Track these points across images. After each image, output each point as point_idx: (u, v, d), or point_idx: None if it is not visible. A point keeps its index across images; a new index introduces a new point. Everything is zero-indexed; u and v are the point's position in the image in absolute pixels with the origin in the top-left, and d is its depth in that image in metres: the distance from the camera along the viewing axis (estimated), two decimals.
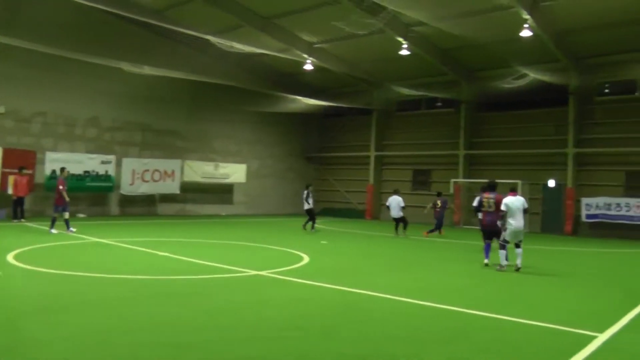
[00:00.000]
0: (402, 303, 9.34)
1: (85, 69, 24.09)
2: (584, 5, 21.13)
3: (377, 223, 29.71)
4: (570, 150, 26.26)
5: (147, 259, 13.53)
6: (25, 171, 22.66)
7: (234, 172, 31.71)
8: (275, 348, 6.49)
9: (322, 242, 19.08)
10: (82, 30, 24.77)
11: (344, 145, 35.28)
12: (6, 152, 23.20)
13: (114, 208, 27.58)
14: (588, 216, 25.44)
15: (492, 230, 13.93)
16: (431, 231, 22.27)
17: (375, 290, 10.10)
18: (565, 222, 26.23)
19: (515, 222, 13.03)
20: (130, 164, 27.34)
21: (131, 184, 27.34)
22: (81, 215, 24.84)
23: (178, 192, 29.17)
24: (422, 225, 24.01)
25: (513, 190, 13.64)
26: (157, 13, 24.58)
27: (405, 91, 29.43)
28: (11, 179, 22.43)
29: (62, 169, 19.21)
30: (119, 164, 26.88)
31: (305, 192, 22.85)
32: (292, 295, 9.70)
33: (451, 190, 28.31)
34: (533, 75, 23.96)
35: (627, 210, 24.32)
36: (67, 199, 18.09)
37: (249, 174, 32.33)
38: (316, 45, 28.07)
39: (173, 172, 28.79)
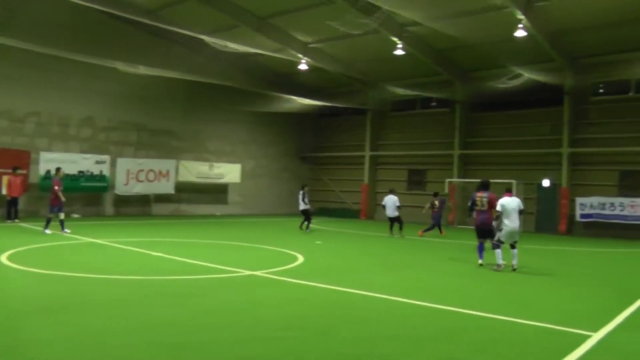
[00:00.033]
0: (398, 303, 9.33)
1: (79, 68, 24.04)
2: (578, 6, 21.17)
3: (372, 223, 29.72)
4: (565, 150, 26.32)
5: (141, 260, 13.49)
6: (19, 171, 22.59)
7: (229, 172, 31.68)
8: (270, 348, 6.48)
9: (317, 242, 19.07)
10: (77, 30, 24.70)
11: (338, 145, 35.27)
12: (0, 152, 23.12)
13: (109, 208, 27.51)
14: (582, 216, 25.50)
15: (485, 229, 13.95)
16: (426, 230, 22.29)
17: (371, 290, 10.10)
18: (560, 222, 26.30)
19: (511, 223, 13.04)
20: (125, 164, 27.28)
21: (126, 184, 27.28)
22: (75, 216, 24.78)
23: (173, 192, 29.13)
24: (418, 225, 24.01)
25: (509, 191, 13.67)
26: (152, 13, 24.53)
27: (400, 91, 29.43)
28: (5, 179, 22.36)
29: (58, 169, 19.16)
30: (113, 164, 26.82)
31: (301, 192, 22.81)
32: (286, 296, 9.68)
33: (446, 190, 28.31)
34: (528, 75, 23.99)
35: (621, 210, 24.39)
36: (63, 199, 18.03)
37: (243, 174, 32.31)
38: (311, 45, 28.05)
39: (168, 172, 28.74)
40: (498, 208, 13.16)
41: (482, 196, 13.95)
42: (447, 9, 22.08)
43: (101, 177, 26.29)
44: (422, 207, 24.06)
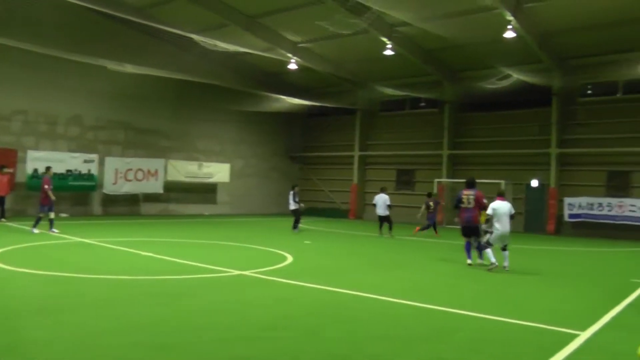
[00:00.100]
0: (387, 303, 9.34)
1: (67, 66, 23.89)
2: (567, 7, 21.29)
3: (361, 223, 29.74)
4: (553, 151, 26.46)
5: (129, 259, 13.42)
6: (5, 170, 22.40)
7: (218, 172, 31.61)
8: (259, 348, 6.46)
9: (306, 241, 19.06)
10: (65, 28, 24.52)
11: (327, 145, 35.27)
12: None
13: (97, 207, 27.36)
14: (571, 216, 25.67)
15: (470, 227, 13.99)
16: (422, 229, 22.38)
17: (360, 290, 10.10)
18: (548, 222, 26.45)
19: (502, 227, 13.09)
20: (113, 163, 27.14)
21: (114, 183, 27.15)
22: (63, 215, 24.59)
23: (161, 191, 29.02)
24: (407, 225, 24.05)
25: (501, 195, 13.71)
26: (141, 11, 24.37)
27: (389, 91, 29.49)
28: None
29: (48, 168, 19.03)
30: (101, 163, 26.67)
31: (292, 192, 22.78)
32: (275, 295, 9.66)
33: (435, 190, 28.39)
34: (516, 76, 24.09)
35: (609, 210, 24.58)
36: (53, 198, 17.91)
37: (232, 173, 32.24)
38: (300, 45, 28.04)
39: (156, 171, 28.63)
40: (489, 212, 13.22)
41: (468, 194, 14.01)
42: (436, 9, 22.13)
43: (89, 176, 26.15)
44: (410, 207, 24.11)
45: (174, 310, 8.15)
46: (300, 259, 14.29)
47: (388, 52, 25.16)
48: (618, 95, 25.82)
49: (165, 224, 24.17)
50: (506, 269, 13.07)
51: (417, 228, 22.41)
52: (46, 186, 17.81)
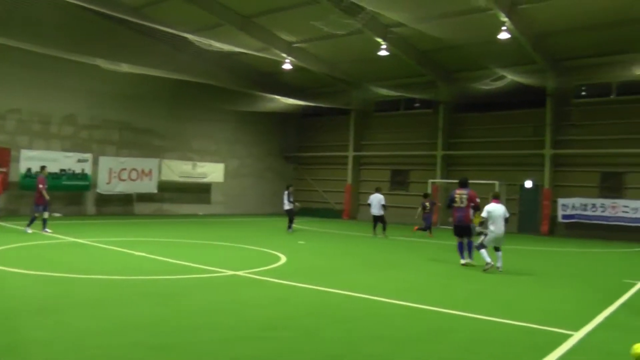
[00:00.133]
0: (381, 303, 9.34)
1: (62, 65, 23.76)
2: (561, 8, 21.34)
3: (355, 223, 29.73)
4: (547, 152, 26.53)
5: (124, 259, 13.38)
6: None
7: (212, 172, 31.57)
8: (253, 349, 6.45)
9: (300, 242, 19.05)
10: (61, 27, 24.31)
11: (322, 145, 35.26)
12: None
13: (90, 207, 27.28)
14: (564, 216, 25.75)
15: (462, 226, 14.04)
16: (420, 229, 22.42)
17: (354, 290, 10.09)
18: (542, 223, 26.52)
19: (497, 229, 13.12)
20: (107, 163, 27.07)
21: (108, 183, 27.08)
22: (57, 215, 24.49)
23: (155, 191, 28.96)
24: (401, 225, 24.06)
25: (496, 198, 13.74)
26: (136, 10, 24.35)
27: (384, 92, 29.49)
28: None
29: (43, 168, 18.98)
30: (95, 163, 26.61)
31: (286, 192, 22.77)
32: (269, 296, 9.65)
33: (429, 191, 28.41)
34: (511, 77, 24.13)
35: (603, 211, 24.68)
36: (48, 197, 17.85)
37: (227, 173, 32.21)
38: (295, 45, 28.03)
39: (150, 171, 28.57)
40: (484, 214, 13.24)
41: (461, 193, 14.08)
42: (431, 10, 22.14)
43: (83, 176, 26.07)
44: (404, 208, 24.14)
45: (170, 310, 8.12)
46: (294, 259, 14.28)
47: (383, 53, 25.21)
48: (612, 96, 25.90)
49: (159, 224, 24.11)
50: (499, 269, 13.10)
51: (416, 227, 22.47)
52: (41, 185, 17.76)
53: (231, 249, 16.33)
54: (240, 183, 33.65)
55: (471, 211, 14.20)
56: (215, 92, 28.64)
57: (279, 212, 25.51)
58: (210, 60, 28.95)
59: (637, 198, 24.25)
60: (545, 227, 26.29)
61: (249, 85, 30.58)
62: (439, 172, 29.84)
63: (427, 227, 22.48)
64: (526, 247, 20.42)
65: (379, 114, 33.58)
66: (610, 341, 7.42)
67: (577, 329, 7.75)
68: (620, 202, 24.45)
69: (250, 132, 34.27)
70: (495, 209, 13.19)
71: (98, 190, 26.91)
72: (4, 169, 22.99)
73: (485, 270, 12.94)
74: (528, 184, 27.43)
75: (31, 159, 23.78)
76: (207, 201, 32.21)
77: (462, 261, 13.92)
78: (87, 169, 26.18)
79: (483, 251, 13.19)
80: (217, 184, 32.05)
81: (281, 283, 10.72)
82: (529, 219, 27.15)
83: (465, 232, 14.08)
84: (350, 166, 33.63)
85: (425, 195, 23.54)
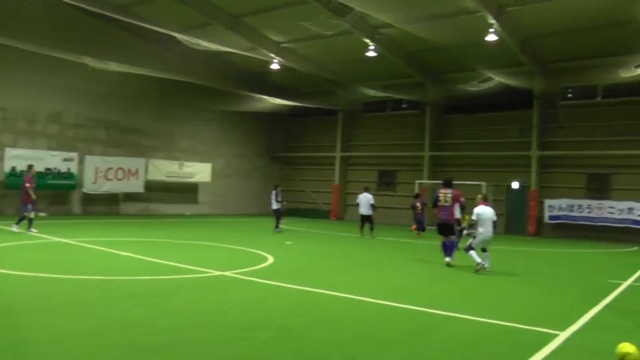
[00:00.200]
0: (365, 303, 9.33)
1: (47, 63, 23.55)
2: (548, 11, 21.47)
3: (342, 224, 29.74)
4: (534, 153, 26.67)
5: (109, 259, 13.28)
6: None
7: (199, 172, 31.45)
8: (238, 349, 6.42)
9: (287, 242, 19.01)
10: (46, 24, 24.13)
11: (309, 146, 35.26)
12: None
13: (76, 207, 27.08)
14: (551, 217, 25.91)
15: (446, 225, 14.12)
16: (418, 229, 22.57)
17: (339, 290, 10.08)
18: (529, 223, 26.67)
19: (485, 231, 13.20)
20: (94, 162, 26.88)
21: (94, 182, 26.89)
22: (42, 214, 24.26)
23: (142, 191, 28.81)
24: (388, 226, 24.06)
25: (485, 200, 13.82)
26: (124, 9, 24.18)
27: (372, 92, 29.53)
28: None
29: (30, 166, 18.81)
30: (81, 162, 26.41)
31: (274, 192, 22.75)
32: (255, 296, 9.62)
33: (416, 191, 28.47)
34: (498, 78, 24.26)
35: (589, 212, 24.87)
36: (34, 196, 17.70)
37: (214, 173, 32.10)
38: (283, 45, 28.01)
39: (137, 170, 28.41)
40: (473, 217, 13.34)
41: (445, 192, 14.19)
42: (419, 11, 22.22)
43: (69, 175, 25.88)
44: (391, 208, 24.20)
45: (156, 310, 8.06)
46: (281, 260, 14.24)
47: (371, 54, 25.22)
48: (598, 99, 26.10)
49: (146, 224, 23.98)
50: (487, 269, 13.14)
51: (414, 227, 22.59)
52: (28, 184, 17.60)
53: (218, 249, 16.27)
54: (227, 183, 33.56)
55: (457, 210, 14.31)
56: (203, 91, 28.52)
57: (267, 212, 25.43)
58: (199, 60, 28.86)
59: (622, 199, 24.45)
60: (531, 228, 26.44)
61: (237, 85, 30.49)
62: (426, 173, 29.91)
63: (423, 228, 22.61)
64: (513, 247, 20.51)
65: (367, 115, 33.63)
66: (596, 341, 7.45)
67: (562, 329, 7.78)
68: (606, 203, 24.64)
69: (238, 132, 34.18)
70: (484, 212, 13.27)
71: (84, 190, 26.71)
72: None
73: (476, 271, 12.97)
74: (515, 185, 27.57)
75: (16, 158, 23.58)
76: (194, 201, 32.08)
77: (447, 259, 13.97)
78: (73, 168, 25.99)
79: (472, 252, 13.22)
80: (204, 183, 31.94)
81: (268, 283, 10.68)
82: (515, 220, 27.29)
83: (449, 230, 14.17)
84: (337, 167, 33.65)
85: (416, 196, 23.60)
